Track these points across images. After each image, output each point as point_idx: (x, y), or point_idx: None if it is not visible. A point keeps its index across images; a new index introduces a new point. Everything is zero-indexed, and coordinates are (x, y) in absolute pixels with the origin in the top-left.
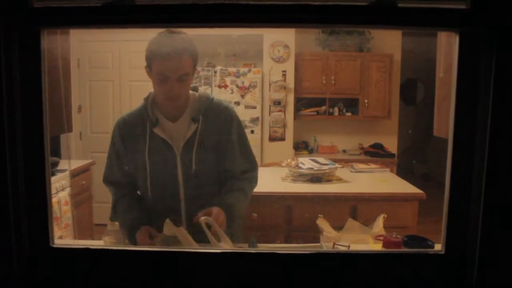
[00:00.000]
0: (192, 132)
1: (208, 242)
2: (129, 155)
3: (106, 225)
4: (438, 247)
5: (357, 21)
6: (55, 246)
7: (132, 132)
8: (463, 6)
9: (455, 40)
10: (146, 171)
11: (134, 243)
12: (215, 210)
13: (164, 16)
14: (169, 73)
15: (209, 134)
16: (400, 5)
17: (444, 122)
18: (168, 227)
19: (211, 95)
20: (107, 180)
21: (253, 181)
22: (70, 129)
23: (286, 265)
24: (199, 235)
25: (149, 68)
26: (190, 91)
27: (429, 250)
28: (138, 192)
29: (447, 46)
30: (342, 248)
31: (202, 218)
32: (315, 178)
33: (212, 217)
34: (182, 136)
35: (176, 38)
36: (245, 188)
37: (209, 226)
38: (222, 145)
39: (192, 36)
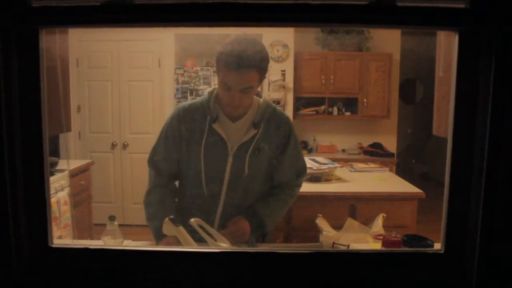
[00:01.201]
0: (251, 136)
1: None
2: (183, 144)
3: (105, 225)
4: (437, 246)
5: (356, 20)
6: (54, 246)
7: (191, 121)
8: (462, 5)
9: (455, 39)
10: (200, 164)
11: (158, 237)
12: (241, 223)
13: (163, 15)
14: (232, 85)
15: (266, 142)
16: (399, 4)
17: (444, 121)
18: (167, 227)
19: (273, 104)
20: (151, 161)
21: (296, 188)
22: (69, 129)
23: (286, 264)
24: (197, 234)
25: (216, 71)
26: (254, 96)
27: (429, 250)
28: (176, 184)
29: (447, 45)
30: (341, 248)
31: (193, 220)
32: (315, 178)
33: (233, 229)
34: (239, 138)
35: (246, 49)
36: (283, 197)
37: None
38: (276, 155)
39: (191, 36)
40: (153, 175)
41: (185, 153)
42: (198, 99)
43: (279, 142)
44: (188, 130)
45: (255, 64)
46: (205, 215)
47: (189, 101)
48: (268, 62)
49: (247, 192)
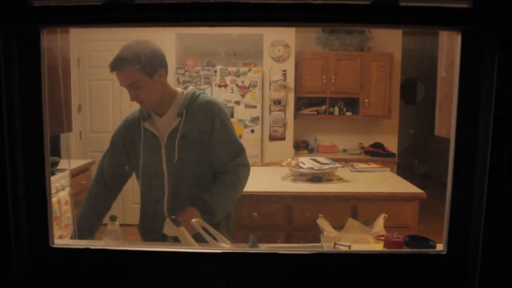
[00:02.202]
0: (176, 125)
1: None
2: (128, 149)
3: (106, 224)
4: (439, 247)
5: (358, 20)
6: (55, 246)
7: (131, 127)
8: (465, 5)
9: (457, 39)
10: (140, 161)
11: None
12: (189, 210)
13: (164, 15)
14: (121, 83)
15: (191, 127)
16: (402, 4)
17: (446, 122)
18: (168, 227)
19: (197, 92)
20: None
21: (239, 168)
22: (70, 129)
23: (287, 265)
24: (198, 234)
25: None
26: (179, 89)
27: (431, 250)
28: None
29: (449, 45)
30: (343, 248)
31: (194, 220)
32: (316, 178)
33: (185, 218)
34: (167, 129)
35: (126, 51)
36: (227, 180)
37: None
38: (204, 139)
39: (192, 35)
40: (94, 177)
41: (131, 155)
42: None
43: (205, 126)
44: (131, 137)
45: (131, 63)
46: (155, 206)
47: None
48: (153, 59)
49: (186, 178)
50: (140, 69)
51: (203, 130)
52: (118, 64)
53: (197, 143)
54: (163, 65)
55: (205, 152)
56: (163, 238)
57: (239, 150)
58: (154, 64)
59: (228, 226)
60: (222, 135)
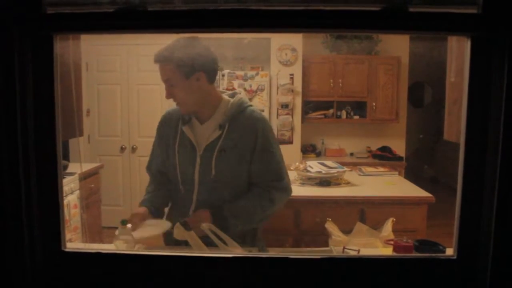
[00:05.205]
0: (215, 137)
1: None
2: (163, 146)
3: (114, 228)
4: (449, 251)
5: (368, 26)
6: (67, 250)
7: (169, 124)
8: (474, 11)
9: (467, 44)
10: (176, 163)
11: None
12: (201, 213)
13: (175, 22)
14: (160, 77)
15: (232, 142)
16: (411, 10)
17: (455, 126)
18: (178, 231)
19: (245, 104)
20: (147, 168)
21: (275, 191)
22: (81, 133)
23: (297, 269)
24: (208, 238)
25: None
26: (226, 97)
27: (441, 255)
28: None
29: (458, 50)
30: (352, 253)
31: (204, 224)
32: (324, 182)
33: (195, 220)
34: (206, 139)
35: (171, 44)
36: (256, 195)
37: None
38: (246, 157)
39: (199, 40)
40: (150, 179)
41: (165, 154)
42: None
43: (247, 143)
44: (167, 133)
45: (169, 60)
46: (181, 211)
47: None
48: (193, 60)
49: (218, 192)
50: (177, 67)
51: (245, 148)
52: (158, 58)
53: (236, 159)
54: (204, 68)
55: (245, 169)
56: (176, 243)
57: (281, 175)
58: (192, 65)
59: (253, 240)
60: (264, 156)
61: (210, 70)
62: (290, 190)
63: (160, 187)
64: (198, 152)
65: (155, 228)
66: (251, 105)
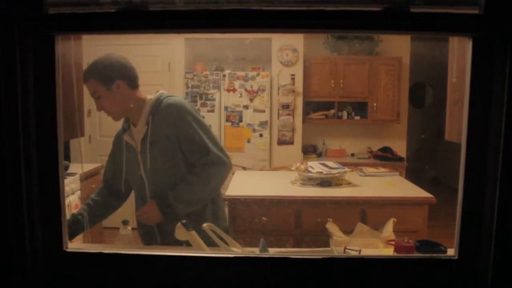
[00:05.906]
0: (144, 133)
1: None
2: (115, 160)
3: (115, 228)
4: (450, 252)
5: (370, 27)
6: (68, 250)
7: (118, 141)
8: (476, 11)
9: (468, 45)
10: (123, 169)
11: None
12: (148, 204)
13: (177, 22)
14: (89, 94)
15: (157, 134)
16: (413, 10)
17: (456, 127)
18: (180, 232)
19: (162, 97)
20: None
21: (206, 167)
22: (82, 134)
23: (298, 270)
24: (209, 238)
25: None
26: (149, 96)
27: (442, 256)
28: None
29: (459, 51)
30: (353, 253)
31: (205, 224)
32: (325, 182)
33: (143, 210)
34: (139, 138)
35: (88, 65)
36: (192, 180)
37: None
38: (172, 144)
39: (200, 40)
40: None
41: (117, 166)
42: None
43: (169, 130)
44: (118, 147)
45: (91, 76)
46: (141, 208)
47: None
48: (110, 71)
49: (162, 183)
50: (98, 81)
51: (169, 135)
52: (83, 78)
53: (167, 148)
54: (122, 76)
55: (178, 156)
56: (177, 243)
57: (206, 149)
58: (111, 76)
59: (216, 216)
60: (186, 136)
61: (128, 77)
62: (222, 161)
63: (101, 197)
64: (137, 151)
65: None
66: (170, 96)
